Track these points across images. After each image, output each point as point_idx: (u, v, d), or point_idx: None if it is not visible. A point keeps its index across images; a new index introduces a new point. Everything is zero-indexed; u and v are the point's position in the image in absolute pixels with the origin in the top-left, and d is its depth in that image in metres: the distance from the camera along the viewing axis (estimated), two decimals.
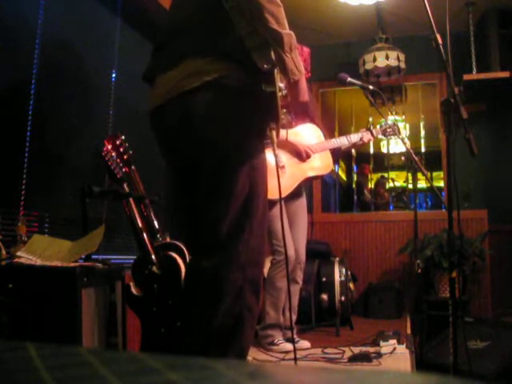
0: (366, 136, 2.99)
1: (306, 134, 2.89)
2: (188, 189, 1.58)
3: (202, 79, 1.44)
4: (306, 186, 3.12)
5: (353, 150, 4.72)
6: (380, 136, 3.11)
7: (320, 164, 2.92)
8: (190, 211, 1.61)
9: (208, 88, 1.45)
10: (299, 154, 2.79)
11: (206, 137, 1.47)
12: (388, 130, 3.04)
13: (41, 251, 1.84)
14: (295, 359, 1.84)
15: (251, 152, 1.52)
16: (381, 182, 6.43)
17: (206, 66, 1.46)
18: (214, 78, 1.44)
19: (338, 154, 3.13)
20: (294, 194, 2.80)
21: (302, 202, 2.92)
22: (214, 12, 1.48)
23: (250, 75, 1.49)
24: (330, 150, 2.95)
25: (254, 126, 1.54)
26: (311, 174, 2.88)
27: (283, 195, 2.67)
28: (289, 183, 2.72)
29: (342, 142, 2.96)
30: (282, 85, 1.55)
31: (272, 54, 1.46)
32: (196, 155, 1.50)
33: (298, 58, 1.49)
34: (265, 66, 1.47)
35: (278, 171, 1.62)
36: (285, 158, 2.77)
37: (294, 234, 2.80)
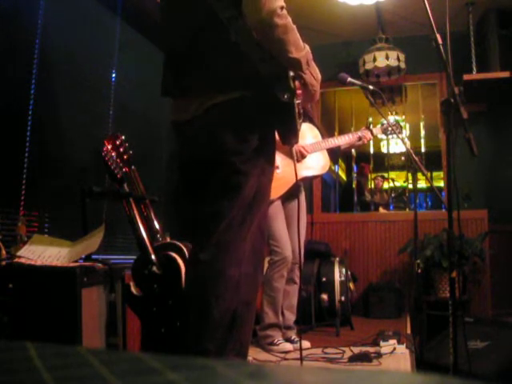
0: (365, 135, 2.97)
1: (302, 133, 2.86)
2: (198, 187, 1.64)
3: (226, 97, 1.54)
4: (306, 185, 3.10)
5: (353, 150, 4.73)
6: (380, 135, 3.10)
7: (316, 164, 2.88)
8: (195, 208, 1.65)
9: (231, 102, 1.54)
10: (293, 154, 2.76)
11: (228, 142, 1.55)
12: (389, 128, 3.01)
13: (41, 251, 1.84)
14: (301, 359, 1.84)
15: (264, 158, 1.62)
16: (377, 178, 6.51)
17: (228, 91, 1.55)
18: (236, 96, 1.54)
19: (336, 154, 3.10)
20: (291, 194, 2.75)
21: (301, 202, 2.89)
22: (225, 41, 1.52)
23: (269, 95, 1.56)
24: (328, 149, 2.93)
25: (270, 136, 1.65)
26: (306, 174, 2.84)
27: (276, 196, 2.64)
28: (282, 183, 2.67)
29: (339, 141, 2.93)
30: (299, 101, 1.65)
31: (290, 81, 1.56)
32: (215, 158, 1.58)
33: (314, 67, 1.62)
34: (285, 96, 1.55)
35: (295, 166, 1.67)
36: (279, 157, 2.71)
37: (292, 234, 2.77)
